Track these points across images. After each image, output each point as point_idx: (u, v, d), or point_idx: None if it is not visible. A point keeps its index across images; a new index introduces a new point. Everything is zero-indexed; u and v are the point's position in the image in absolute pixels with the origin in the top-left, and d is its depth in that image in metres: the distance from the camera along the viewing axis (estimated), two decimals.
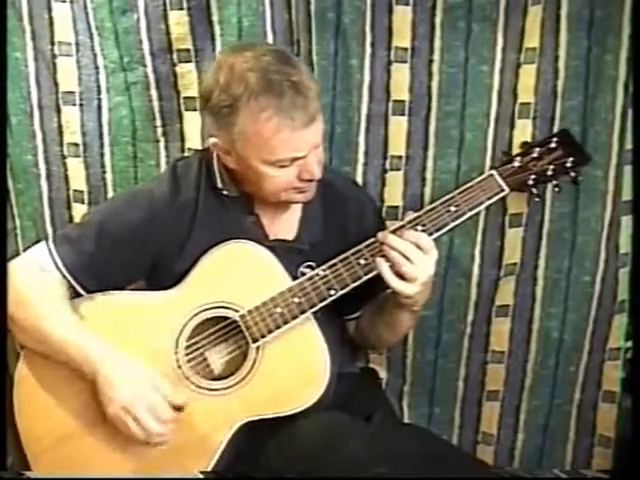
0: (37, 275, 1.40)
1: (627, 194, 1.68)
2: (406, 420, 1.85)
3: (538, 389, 1.83)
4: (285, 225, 1.49)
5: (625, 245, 1.72)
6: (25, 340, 1.42)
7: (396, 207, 1.74)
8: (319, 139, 1.35)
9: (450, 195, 1.41)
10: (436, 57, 1.65)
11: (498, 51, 1.64)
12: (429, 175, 1.72)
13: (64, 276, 1.41)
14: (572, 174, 1.46)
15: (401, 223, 1.39)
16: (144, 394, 1.31)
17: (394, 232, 1.37)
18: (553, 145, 1.45)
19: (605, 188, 1.70)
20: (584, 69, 1.63)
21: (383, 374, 1.85)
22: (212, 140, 1.38)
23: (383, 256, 1.36)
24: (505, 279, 1.77)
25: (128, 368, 1.34)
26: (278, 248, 1.43)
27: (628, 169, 1.66)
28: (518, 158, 1.45)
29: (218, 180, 1.45)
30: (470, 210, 1.41)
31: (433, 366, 1.84)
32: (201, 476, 1.35)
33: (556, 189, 1.48)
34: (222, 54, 1.46)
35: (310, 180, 1.37)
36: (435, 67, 1.66)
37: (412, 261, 1.34)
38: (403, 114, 1.69)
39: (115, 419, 1.32)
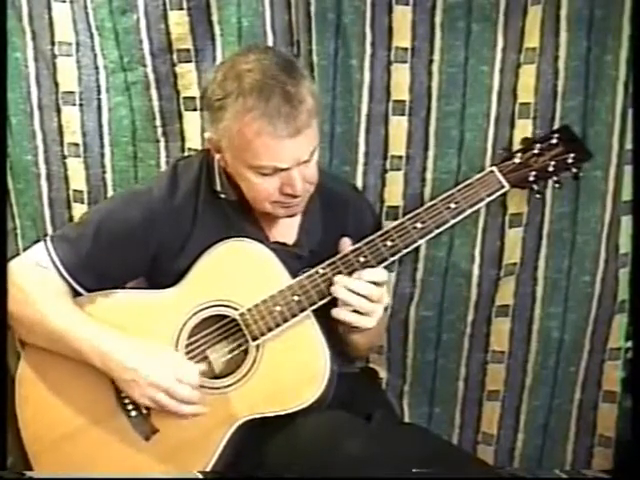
0: (36, 272, 1.40)
1: (627, 194, 1.68)
2: (406, 420, 1.85)
3: (538, 389, 1.83)
4: (285, 230, 1.48)
5: (625, 245, 1.72)
6: (29, 337, 1.42)
7: (396, 207, 1.74)
8: (305, 154, 1.32)
9: (450, 192, 1.41)
10: (436, 57, 1.66)
11: (498, 51, 1.65)
12: (429, 175, 1.72)
13: (62, 275, 1.40)
14: (573, 170, 1.46)
15: (401, 220, 1.39)
16: (166, 366, 1.32)
17: (350, 274, 1.35)
18: (554, 141, 1.45)
19: (605, 188, 1.70)
20: (584, 69, 1.63)
21: (383, 374, 1.86)
22: (206, 135, 1.38)
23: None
24: (505, 279, 1.77)
25: (140, 347, 1.34)
26: (278, 251, 1.42)
27: (628, 169, 1.67)
28: (519, 154, 1.45)
29: (217, 183, 1.44)
30: (470, 207, 1.41)
31: (433, 366, 1.84)
32: (200, 476, 1.35)
33: (557, 185, 1.48)
34: (233, 53, 1.47)
35: (293, 196, 1.35)
36: (435, 67, 1.66)
37: (371, 299, 1.33)
38: (403, 114, 1.69)
39: (144, 399, 1.32)
